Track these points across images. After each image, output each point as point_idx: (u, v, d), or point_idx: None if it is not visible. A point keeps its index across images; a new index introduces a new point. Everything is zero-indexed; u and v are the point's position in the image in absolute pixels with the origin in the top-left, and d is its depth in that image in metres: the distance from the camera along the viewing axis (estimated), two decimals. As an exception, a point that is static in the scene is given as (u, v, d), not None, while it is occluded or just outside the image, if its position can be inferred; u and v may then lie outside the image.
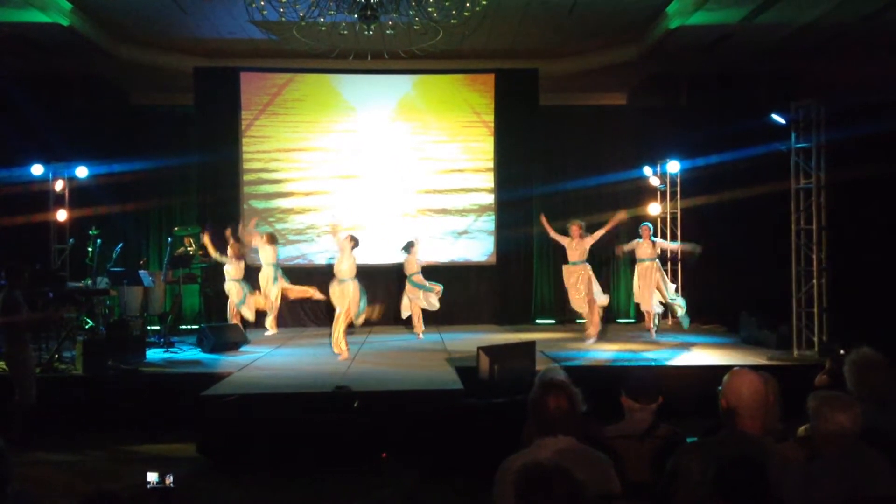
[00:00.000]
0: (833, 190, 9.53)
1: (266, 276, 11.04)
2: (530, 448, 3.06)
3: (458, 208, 13.10)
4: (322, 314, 12.71)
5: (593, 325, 10.52)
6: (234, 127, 12.84)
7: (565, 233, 10.69)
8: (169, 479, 3.25)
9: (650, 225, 11.10)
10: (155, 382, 8.48)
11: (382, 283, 12.54)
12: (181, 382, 8.26)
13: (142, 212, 12.95)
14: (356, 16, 7.84)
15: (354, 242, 9.46)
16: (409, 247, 11.15)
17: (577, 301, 10.55)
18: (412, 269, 11.08)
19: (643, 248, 10.75)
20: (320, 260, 12.83)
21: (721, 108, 12.31)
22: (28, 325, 7.36)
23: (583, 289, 10.43)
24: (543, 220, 10.95)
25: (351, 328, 9.95)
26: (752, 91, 12.81)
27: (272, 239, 11.28)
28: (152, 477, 3.28)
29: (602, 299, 10.52)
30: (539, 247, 13.32)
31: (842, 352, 5.93)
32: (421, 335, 11.12)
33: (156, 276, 11.03)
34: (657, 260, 10.84)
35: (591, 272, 10.50)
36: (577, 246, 10.46)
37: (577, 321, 13.07)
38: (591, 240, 10.44)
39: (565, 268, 10.67)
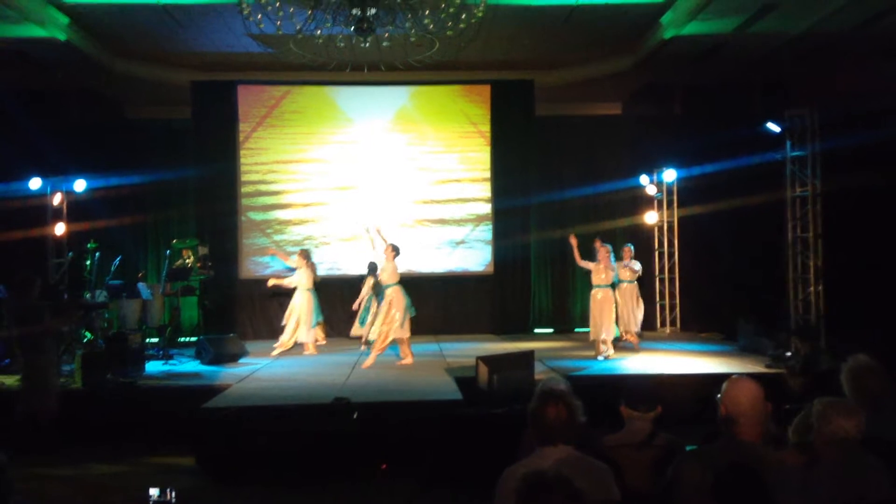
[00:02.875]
0: (829, 198, 9.57)
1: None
2: (530, 457, 3.07)
3: (456, 218, 13.13)
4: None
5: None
6: (232, 139, 12.87)
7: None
8: (171, 494, 3.25)
9: (632, 246, 11.03)
10: (154, 395, 8.47)
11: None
12: (180, 395, 8.25)
13: (140, 225, 12.96)
14: (352, 28, 7.89)
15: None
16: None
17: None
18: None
19: (624, 270, 10.67)
20: (318, 271, 12.80)
21: (716, 118, 12.36)
22: (50, 332, 7.46)
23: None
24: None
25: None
26: (747, 100, 12.89)
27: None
28: (154, 492, 3.27)
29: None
30: (537, 256, 13.36)
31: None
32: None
33: (154, 289, 11.03)
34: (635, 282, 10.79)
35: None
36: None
37: (577, 330, 13.17)
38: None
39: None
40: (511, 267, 13.11)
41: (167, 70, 12.35)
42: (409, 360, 9.70)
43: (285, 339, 10.65)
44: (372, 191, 12.98)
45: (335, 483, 6.45)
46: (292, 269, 11.10)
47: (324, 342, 11.23)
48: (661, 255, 13.28)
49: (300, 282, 10.73)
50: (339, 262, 12.91)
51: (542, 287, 13.52)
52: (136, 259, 12.75)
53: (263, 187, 13.00)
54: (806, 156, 9.59)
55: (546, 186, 13.19)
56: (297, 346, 10.79)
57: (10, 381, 8.70)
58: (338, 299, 12.88)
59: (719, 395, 3.23)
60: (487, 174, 13.17)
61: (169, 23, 10.36)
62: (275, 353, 10.59)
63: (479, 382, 7.54)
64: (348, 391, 7.74)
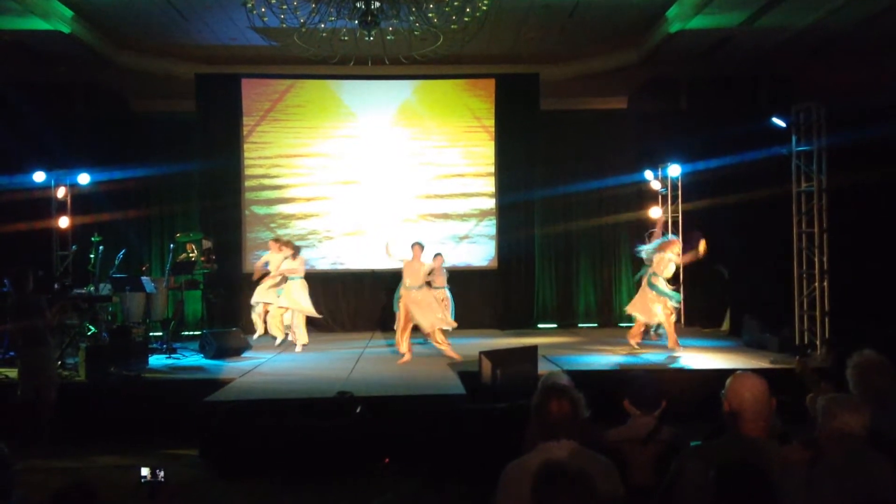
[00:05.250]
0: (835, 193, 9.52)
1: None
2: (533, 452, 3.06)
3: (459, 213, 13.11)
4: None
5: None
6: (236, 133, 12.86)
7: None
8: (160, 474, 3.28)
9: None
10: (157, 389, 8.50)
11: (383, 289, 12.61)
12: (184, 388, 8.27)
13: (144, 218, 12.96)
14: (356, 22, 7.86)
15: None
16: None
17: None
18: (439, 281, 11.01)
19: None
20: (322, 265, 12.85)
21: (721, 112, 12.31)
22: (49, 325, 7.54)
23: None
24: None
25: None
26: (753, 94, 12.83)
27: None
28: (145, 472, 3.31)
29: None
30: (541, 251, 13.33)
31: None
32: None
33: (158, 283, 11.02)
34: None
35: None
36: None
37: (580, 325, 13.16)
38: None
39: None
40: (515, 262, 13.09)
41: (171, 63, 12.36)
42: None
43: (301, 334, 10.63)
44: (375, 185, 12.96)
45: (337, 477, 6.45)
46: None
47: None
48: (665, 250, 13.22)
49: (295, 271, 10.69)
50: (342, 256, 12.92)
51: (546, 282, 13.49)
52: (139, 252, 12.75)
53: (267, 181, 12.99)
54: (812, 151, 9.53)
55: (550, 181, 13.14)
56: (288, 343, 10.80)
57: (13, 373, 8.72)
58: (341, 293, 12.91)
59: (723, 391, 3.21)
60: (491, 169, 13.14)
61: (173, 15, 10.35)
62: (299, 349, 10.60)
63: (483, 377, 7.54)
64: (351, 385, 7.74)
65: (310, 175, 12.99)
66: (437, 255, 10.93)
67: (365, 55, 9.17)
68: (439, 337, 9.60)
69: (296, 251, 10.76)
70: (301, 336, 10.59)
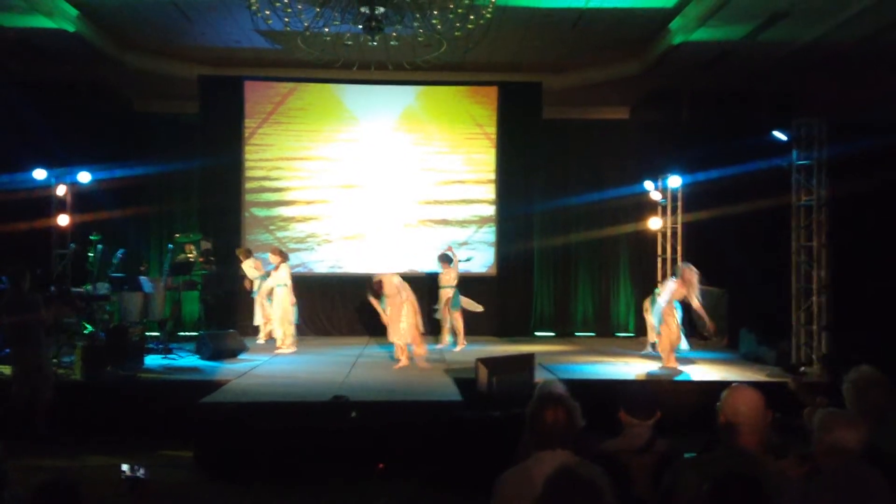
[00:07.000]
0: (834, 206, 9.53)
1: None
2: (527, 461, 3.05)
3: (459, 219, 13.11)
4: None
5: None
6: (238, 135, 12.87)
7: None
8: (140, 471, 3.29)
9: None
10: (153, 389, 8.49)
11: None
12: (179, 389, 8.26)
13: (143, 218, 12.96)
14: (360, 27, 7.89)
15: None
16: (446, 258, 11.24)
17: None
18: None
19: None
20: (320, 268, 12.85)
21: (723, 124, 12.32)
22: (43, 323, 7.60)
23: None
24: None
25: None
26: (754, 107, 12.83)
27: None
28: (125, 468, 3.32)
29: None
30: (539, 259, 13.34)
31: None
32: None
33: (156, 283, 11.03)
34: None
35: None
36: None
37: (577, 334, 13.15)
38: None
39: None
40: (514, 269, 13.09)
41: (175, 64, 12.36)
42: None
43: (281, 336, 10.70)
44: (376, 190, 12.97)
45: (331, 481, 6.44)
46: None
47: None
48: (664, 261, 13.23)
49: (282, 279, 10.72)
50: (342, 260, 12.91)
51: (544, 290, 13.49)
52: (138, 252, 12.72)
53: (267, 183, 13.00)
54: (812, 164, 9.55)
55: (551, 190, 13.17)
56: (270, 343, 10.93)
57: (9, 370, 8.71)
58: (339, 297, 12.89)
59: (719, 403, 3.21)
60: (492, 176, 13.16)
61: (177, 17, 10.36)
62: (280, 350, 10.65)
63: (479, 384, 7.53)
64: (347, 390, 7.73)
65: (310, 178, 13.00)
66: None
67: (368, 60, 9.18)
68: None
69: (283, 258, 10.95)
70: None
